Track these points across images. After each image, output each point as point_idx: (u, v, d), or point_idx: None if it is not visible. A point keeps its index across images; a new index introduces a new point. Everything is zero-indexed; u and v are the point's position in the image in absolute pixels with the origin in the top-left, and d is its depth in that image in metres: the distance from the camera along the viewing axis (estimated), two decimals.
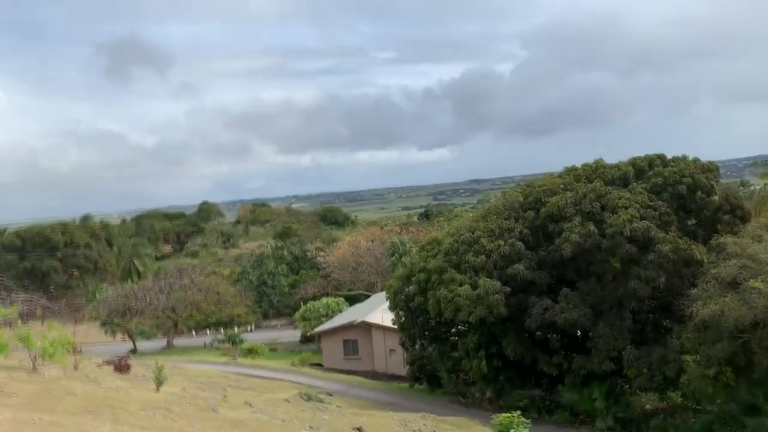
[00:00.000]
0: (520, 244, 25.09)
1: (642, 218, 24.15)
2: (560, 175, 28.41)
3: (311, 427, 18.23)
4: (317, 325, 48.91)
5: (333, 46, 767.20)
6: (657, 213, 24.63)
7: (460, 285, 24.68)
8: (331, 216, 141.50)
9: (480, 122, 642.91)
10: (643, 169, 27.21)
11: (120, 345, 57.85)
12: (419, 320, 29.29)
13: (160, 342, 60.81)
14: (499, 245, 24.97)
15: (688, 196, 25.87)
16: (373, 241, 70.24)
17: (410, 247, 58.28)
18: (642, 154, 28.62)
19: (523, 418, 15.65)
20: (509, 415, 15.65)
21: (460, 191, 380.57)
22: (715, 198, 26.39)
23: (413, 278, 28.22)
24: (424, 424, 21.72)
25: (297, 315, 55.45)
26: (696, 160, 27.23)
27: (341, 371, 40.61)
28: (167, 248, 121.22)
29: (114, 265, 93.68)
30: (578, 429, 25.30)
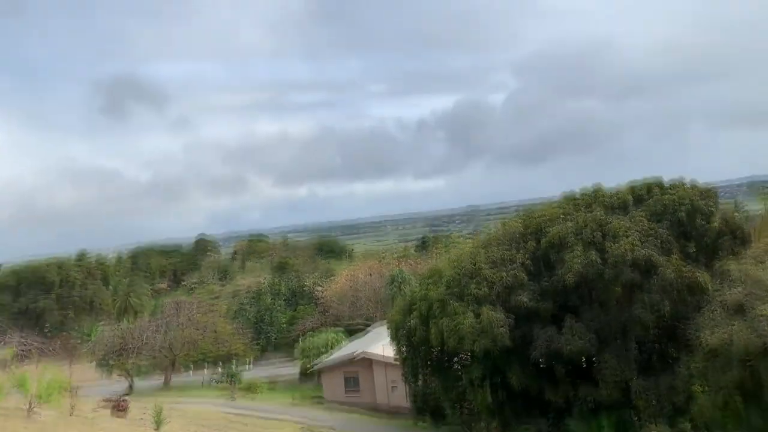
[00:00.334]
0: (522, 274, 24.91)
1: (643, 245, 24.07)
2: (559, 203, 28.40)
3: None
4: (317, 360, 48.21)
5: (326, 79, 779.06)
6: (658, 239, 24.56)
7: (464, 316, 24.37)
8: (328, 247, 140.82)
9: (474, 151, 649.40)
10: (642, 195, 27.24)
11: (116, 384, 56.79)
12: (421, 352, 28.84)
13: (157, 380, 59.75)
14: (501, 275, 24.78)
15: (687, 222, 25.83)
16: (371, 274, 69.86)
17: (409, 278, 57.96)
18: (639, 180, 28.72)
19: None
20: None
21: (456, 219, 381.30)
22: (715, 223, 26.34)
23: (414, 309, 27.88)
24: None
25: (296, 350, 54.71)
26: (694, 186, 27.29)
27: (343, 404, 39.91)
28: (163, 285, 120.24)
29: (110, 304, 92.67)
30: None
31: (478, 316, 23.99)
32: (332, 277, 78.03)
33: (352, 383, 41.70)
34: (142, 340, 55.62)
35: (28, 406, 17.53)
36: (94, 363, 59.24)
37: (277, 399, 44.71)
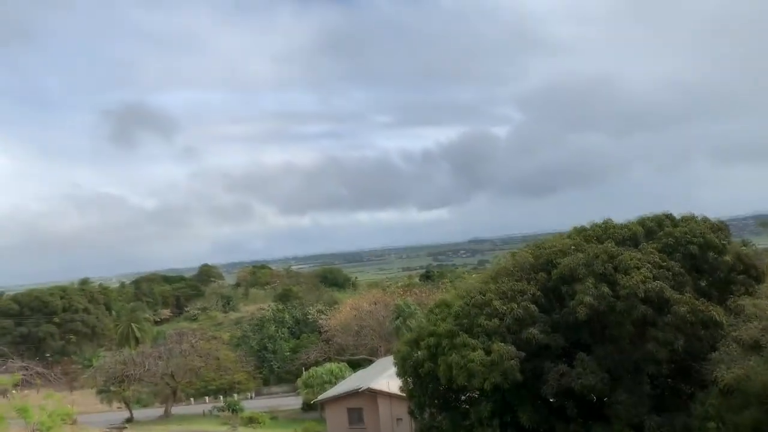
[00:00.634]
0: (533, 306, 24.52)
1: (655, 279, 23.73)
2: (569, 236, 28.17)
3: None
4: (320, 392, 47.48)
5: (332, 110, 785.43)
6: (670, 273, 24.23)
7: (473, 350, 23.90)
8: (332, 277, 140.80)
9: (478, 183, 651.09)
10: (653, 229, 27.03)
11: (116, 414, 55.99)
12: (429, 387, 28.24)
13: (158, 410, 58.91)
14: (512, 308, 24.39)
15: (700, 256, 25.54)
16: (375, 303, 69.34)
17: (415, 309, 57.40)
18: (649, 214, 28.59)
19: None
20: None
21: (461, 251, 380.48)
22: (728, 258, 26.06)
23: (422, 343, 27.40)
24: None
25: (299, 381, 53.98)
26: (705, 219, 27.11)
27: None
28: (166, 312, 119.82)
29: (112, 330, 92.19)
30: None
31: (488, 351, 23.52)
32: (336, 307, 77.58)
33: (356, 417, 40.90)
34: (144, 367, 55.02)
35: None
36: (94, 390, 58.57)
37: (278, 431, 43.88)
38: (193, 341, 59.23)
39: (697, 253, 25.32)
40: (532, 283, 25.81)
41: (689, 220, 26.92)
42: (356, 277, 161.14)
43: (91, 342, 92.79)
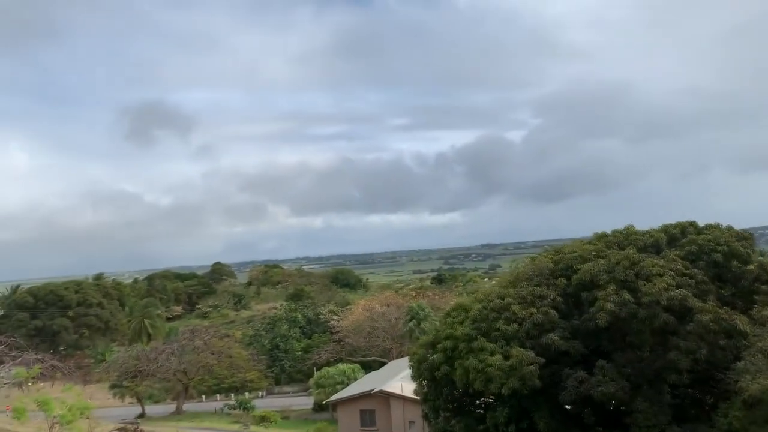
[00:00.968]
0: (553, 312, 24.24)
1: (678, 286, 23.36)
2: (590, 242, 27.87)
3: None
4: (332, 393, 47.39)
5: (347, 112, 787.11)
6: (693, 281, 23.83)
7: (491, 354, 23.68)
8: (343, 278, 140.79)
9: (492, 187, 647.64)
10: (676, 236, 26.65)
11: (128, 409, 56.27)
12: (444, 391, 28.03)
13: (169, 406, 59.12)
14: (531, 313, 24.13)
15: (723, 265, 25.12)
16: (388, 305, 69.13)
17: (429, 312, 57.13)
18: (672, 221, 28.28)
19: None
20: None
21: (472, 255, 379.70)
22: (752, 267, 25.62)
23: (438, 346, 27.20)
24: None
25: (311, 381, 53.91)
26: (730, 228, 26.67)
27: None
28: (178, 309, 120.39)
29: (125, 325, 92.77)
30: None
31: (507, 356, 23.27)
32: (348, 308, 77.50)
33: (368, 419, 40.74)
34: (157, 363, 55.24)
35: (49, 429, 17.21)
36: (107, 384, 58.92)
37: (290, 431, 43.81)
38: (206, 338, 59.42)
39: (721, 261, 24.90)
40: (551, 288, 25.52)
41: (713, 228, 26.50)
42: (367, 279, 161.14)
43: (103, 336, 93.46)
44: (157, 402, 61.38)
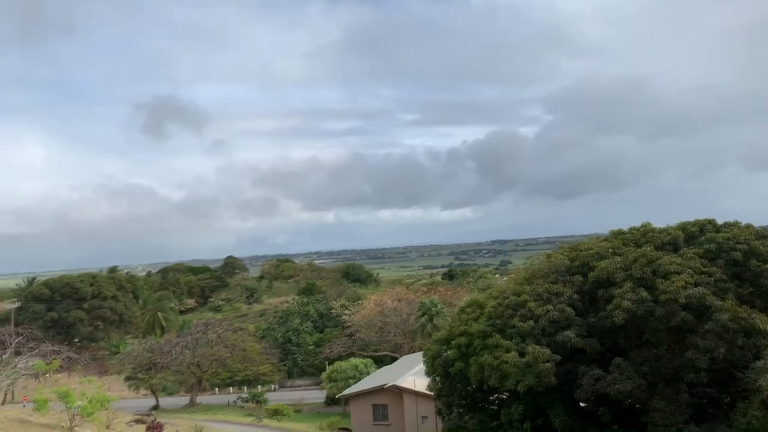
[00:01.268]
0: (569, 309, 24.13)
1: (696, 285, 23.13)
2: (607, 239, 27.67)
3: None
4: (344, 387, 47.53)
5: (358, 107, 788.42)
6: (712, 279, 23.58)
7: (507, 351, 23.64)
8: (354, 273, 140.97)
9: (504, 183, 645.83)
10: (694, 234, 26.37)
11: (142, 401, 56.88)
12: (458, 387, 28.02)
13: (183, 399, 59.66)
14: (548, 310, 24.03)
15: (743, 263, 24.82)
16: (399, 300, 69.16)
17: (441, 308, 57.05)
18: (688, 219, 27.97)
19: None
20: None
21: (483, 251, 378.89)
22: None
23: (453, 342, 27.18)
24: None
25: (324, 375, 54.13)
26: (749, 226, 26.33)
27: None
28: (191, 302, 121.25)
29: (139, 318, 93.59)
30: None
31: (523, 353, 23.21)
32: (359, 302, 77.63)
33: (380, 413, 40.81)
34: (171, 356, 55.72)
35: (70, 421, 17.43)
36: (121, 376, 59.53)
37: (303, 424, 44.05)
38: (220, 332, 59.83)
39: (740, 260, 24.59)
40: (567, 285, 25.40)
41: (732, 226, 26.19)
42: (378, 274, 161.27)
43: (118, 329, 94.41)
44: (170, 394, 61.95)
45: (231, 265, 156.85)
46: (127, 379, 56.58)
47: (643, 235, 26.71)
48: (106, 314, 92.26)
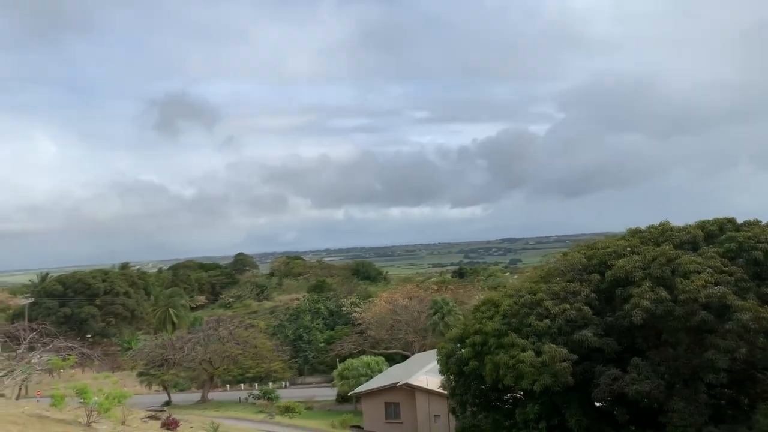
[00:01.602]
0: (587, 308, 23.86)
1: (716, 284, 22.79)
2: (624, 237, 27.36)
3: None
4: (356, 385, 47.50)
5: (369, 105, 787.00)
6: (732, 279, 23.22)
7: (523, 350, 23.42)
8: (364, 270, 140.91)
9: (514, 181, 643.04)
10: (713, 232, 26.00)
11: (154, 397, 57.12)
12: (472, 386, 27.82)
13: (194, 395, 59.86)
14: (564, 309, 23.78)
15: (764, 263, 24.41)
16: (410, 298, 69.01)
17: (453, 306, 56.83)
18: (705, 218, 27.59)
19: None
20: None
21: (493, 250, 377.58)
22: None
23: (468, 341, 27.00)
24: None
25: (335, 373, 54.09)
26: None
27: None
28: (201, 299, 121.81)
29: (150, 314, 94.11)
30: None
31: (539, 352, 22.97)
32: (370, 300, 77.57)
33: (393, 412, 40.77)
34: (183, 352, 55.91)
35: (87, 417, 17.44)
36: (134, 372, 59.83)
37: (315, 422, 44.02)
38: (231, 328, 59.95)
39: (761, 259, 24.20)
40: (584, 284, 25.12)
41: (753, 224, 25.79)
42: (387, 272, 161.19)
43: (129, 325, 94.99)
44: (182, 390, 62.20)
45: (241, 262, 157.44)
46: (140, 375, 56.87)
47: (661, 234, 26.38)
48: (118, 310, 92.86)
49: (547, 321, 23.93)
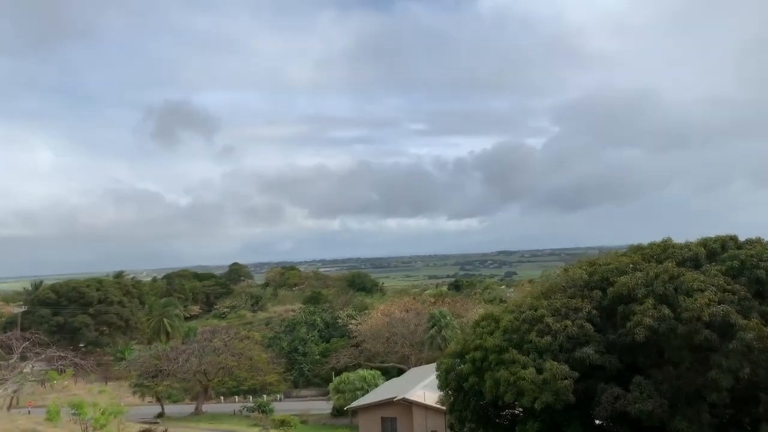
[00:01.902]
0: (589, 325, 23.65)
1: (720, 302, 22.65)
2: (626, 254, 27.22)
3: None
4: (352, 398, 47.05)
5: (366, 116, 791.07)
6: (736, 297, 23.09)
7: (524, 367, 23.15)
8: (360, 282, 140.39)
9: (510, 194, 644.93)
10: (715, 250, 25.89)
11: (147, 408, 56.41)
12: (471, 402, 27.50)
13: (188, 407, 59.16)
14: (566, 325, 23.55)
15: (766, 281, 24.30)
16: (407, 311, 68.62)
17: (451, 320, 56.48)
18: (705, 235, 27.53)
19: None
20: None
21: (488, 262, 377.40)
22: None
23: (467, 356, 26.71)
24: None
25: (331, 386, 53.56)
26: None
27: None
28: (196, 309, 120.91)
29: (144, 324, 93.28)
30: None
31: (540, 369, 22.71)
32: (366, 312, 77.12)
33: (389, 427, 40.28)
34: (178, 363, 55.31)
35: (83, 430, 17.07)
36: (127, 383, 59.10)
37: None
38: (226, 339, 59.37)
39: (763, 278, 24.08)
40: (586, 300, 24.92)
41: (755, 243, 25.69)
42: (383, 283, 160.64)
43: (123, 335, 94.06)
44: (176, 402, 61.48)
45: (236, 271, 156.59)
46: (134, 386, 56.12)
47: (663, 251, 26.26)
48: (111, 319, 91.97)
49: (549, 337, 23.69)
